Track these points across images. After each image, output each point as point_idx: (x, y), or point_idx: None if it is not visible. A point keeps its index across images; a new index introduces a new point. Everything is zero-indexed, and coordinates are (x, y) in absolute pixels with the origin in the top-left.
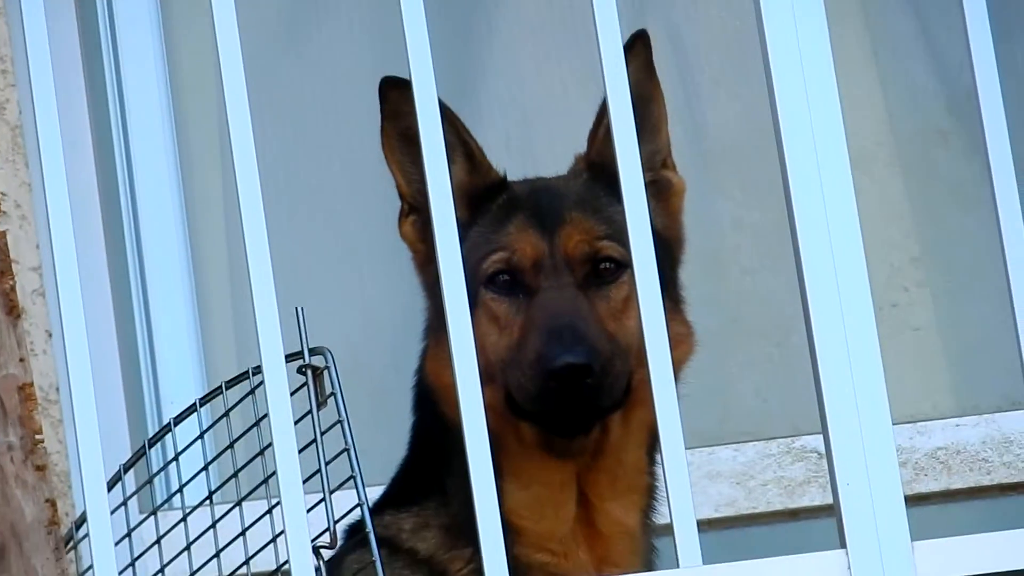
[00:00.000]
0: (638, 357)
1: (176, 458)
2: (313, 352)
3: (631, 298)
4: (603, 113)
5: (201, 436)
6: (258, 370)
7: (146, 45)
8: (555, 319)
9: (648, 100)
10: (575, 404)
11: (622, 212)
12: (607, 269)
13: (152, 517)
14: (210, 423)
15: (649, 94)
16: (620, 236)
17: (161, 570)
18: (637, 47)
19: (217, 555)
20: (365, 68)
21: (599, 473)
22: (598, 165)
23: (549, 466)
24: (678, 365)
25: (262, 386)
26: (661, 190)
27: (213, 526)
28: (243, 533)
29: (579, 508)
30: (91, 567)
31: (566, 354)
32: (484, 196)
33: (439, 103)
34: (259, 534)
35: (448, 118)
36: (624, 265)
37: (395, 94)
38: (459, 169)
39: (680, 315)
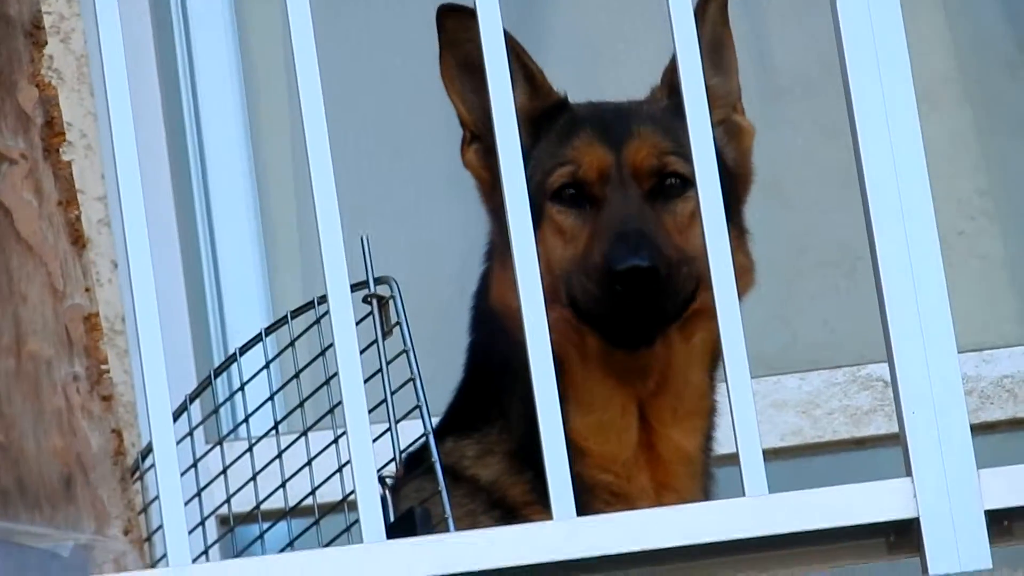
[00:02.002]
0: (701, 276)
1: (242, 388)
2: (378, 281)
3: (696, 214)
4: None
5: (267, 366)
6: (323, 299)
7: None
8: (622, 225)
9: (721, 45)
10: (641, 307)
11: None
12: (673, 184)
13: (218, 447)
14: (276, 353)
15: (722, 39)
16: (687, 153)
17: (227, 500)
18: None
19: (283, 485)
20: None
21: (662, 397)
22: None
23: (613, 389)
24: (739, 296)
25: (327, 316)
26: (731, 133)
27: (279, 456)
28: (309, 463)
29: (641, 432)
30: (157, 497)
31: (633, 257)
32: (546, 117)
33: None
34: (325, 464)
35: (507, 42)
36: (690, 182)
37: (452, 22)
38: (520, 93)
39: (743, 247)
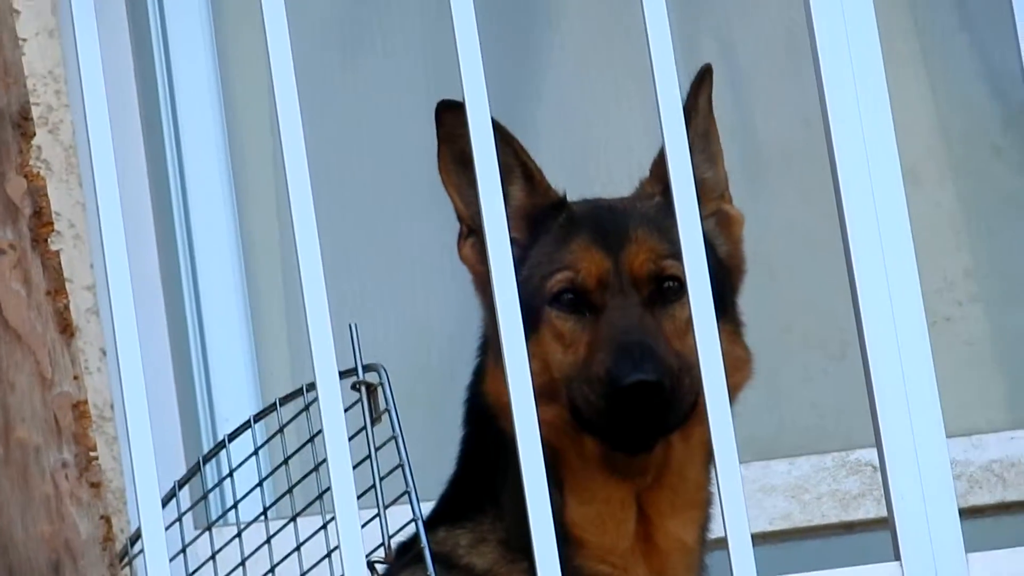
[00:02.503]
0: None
1: (231, 474)
2: (367, 368)
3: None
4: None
5: (255, 452)
6: (312, 387)
7: (199, 67)
8: (624, 336)
9: (708, 136)
10: (644, 421)
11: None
12: (671, 288)
13: (207, 533)
14: (264, 439)
15: (709, 129)
16: (679, 255)
17: None
18: (706, 83)
19: (272, 570)
20: (420, 84)
21: (660, 490)
22: (667, 188)
23: (610, 483)
24: (737, 389)
25: (316, 403)
26: (722, 223)
27: (268, 542)
28: (298, 548)
29: (639, 524)
30: None
31: (637, 372)
32: (544, 216)
33: (497, 125)
34: (314, 550)
35: (506, 139)
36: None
37: (450, 117)
38: (518, 190)
39: (740, 340)
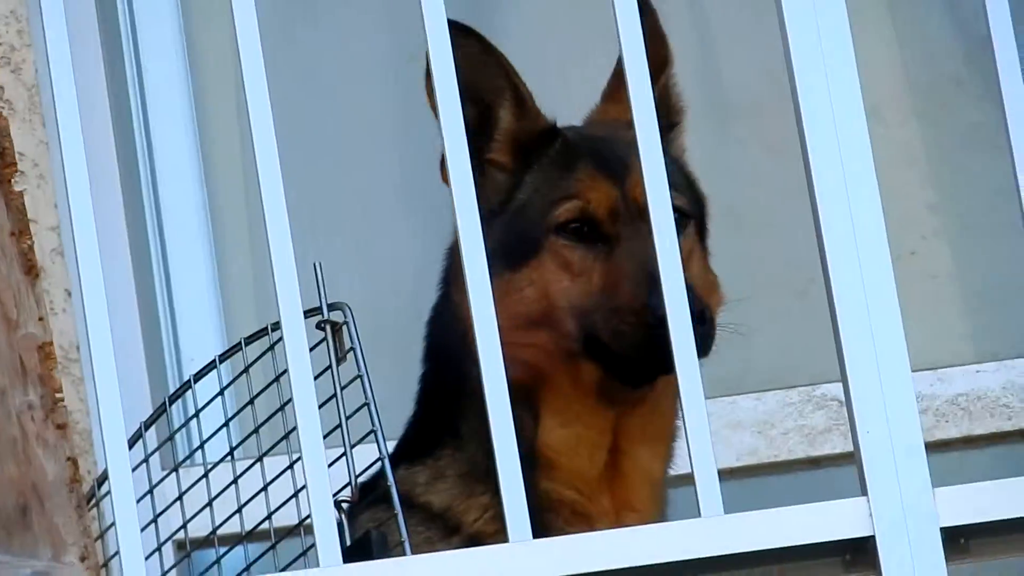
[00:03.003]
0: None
1: (197, 415)
2: (332, 308)
3: (694, 249)
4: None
5: (221, 392)
6: (277, 326)
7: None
8: (654, 267)
9: (664, 62)
10: (645, 360)
11: (670, 167)
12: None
13: (174, 474)
14: (230, 379)
15: (664, 56)
16: (675, 187)
17: (183, 526)
18: (648, 14)
19: (239, 510)
20: (383, 24)
21: (635, 420)
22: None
23: (596, 410)
24: (714, 310)
25: (281, 342)
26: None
27: (235, 482)
28: (265, 488)
29: (609, 452)
30: (113, 524)
31: (642, 310)
32: (535, 142)
33: (489, 46)
34: (281, 489)
35: (498, 61)
36: (687, 215)
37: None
38: (508, 113)
39: (710, 266)
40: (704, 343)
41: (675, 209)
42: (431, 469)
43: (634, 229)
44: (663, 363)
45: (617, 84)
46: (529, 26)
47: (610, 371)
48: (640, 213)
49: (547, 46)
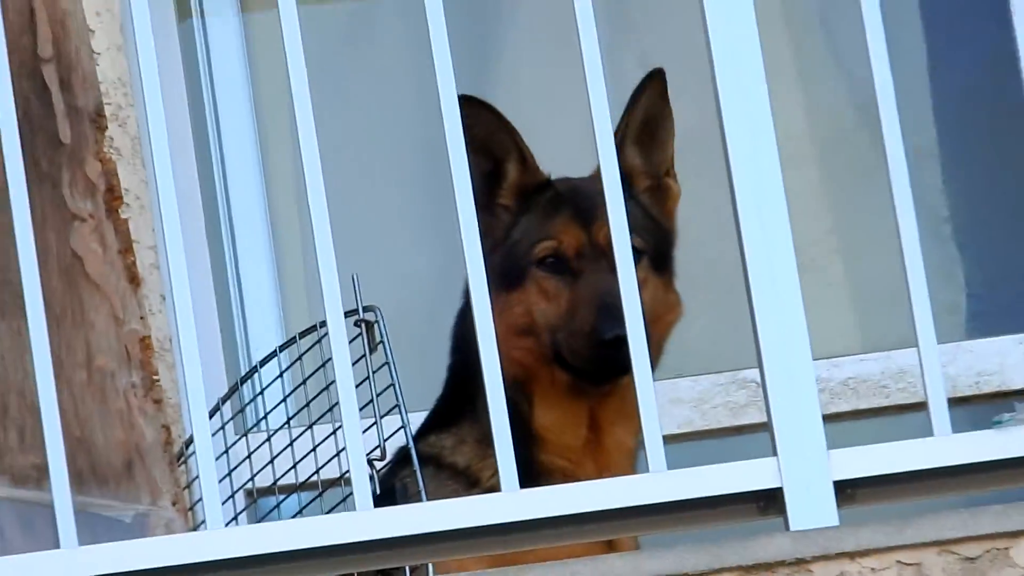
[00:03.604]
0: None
1: (262, 392)
2: (366, 309)
3: (647, 278)
4: (629, 115)
5: (280, 375)
6: (324, 323)
7: (232, 61)
8: (603, 298)
9: (658, 123)
10: (619, 366)
11: (632, 210)
12: (637, 255)
13: (244, 438)
14: (287, 365)
15: (659, 118)
16: (635, 229)
17: (251, 479)
18: (653, 82)
19: (294, 466)
20: (420, 62)
21: (608, 405)
22: (635, 168)
23: (570, 399)
24: (671, 325)
25: (327, 336)
26: (662, 192)
27: (291, 444)
28: (314, 449)
29: (589, 430)
30: (197, 477)
31: (616, 328)
32: (532, 191)
33: (498, 114)
34: (326, 450)
35: (508, 128)
36: (641, 252)
37: (465, 109)
38: (513, 169)
39: (673, 288)
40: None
41: (632, 248)
42: (455, 436)
43: (596, 265)
44: (613, 371)
45: (626, 127)
46: (539, 92)
47: (573, 375)
48: (602, 252)
49: (555, 107)
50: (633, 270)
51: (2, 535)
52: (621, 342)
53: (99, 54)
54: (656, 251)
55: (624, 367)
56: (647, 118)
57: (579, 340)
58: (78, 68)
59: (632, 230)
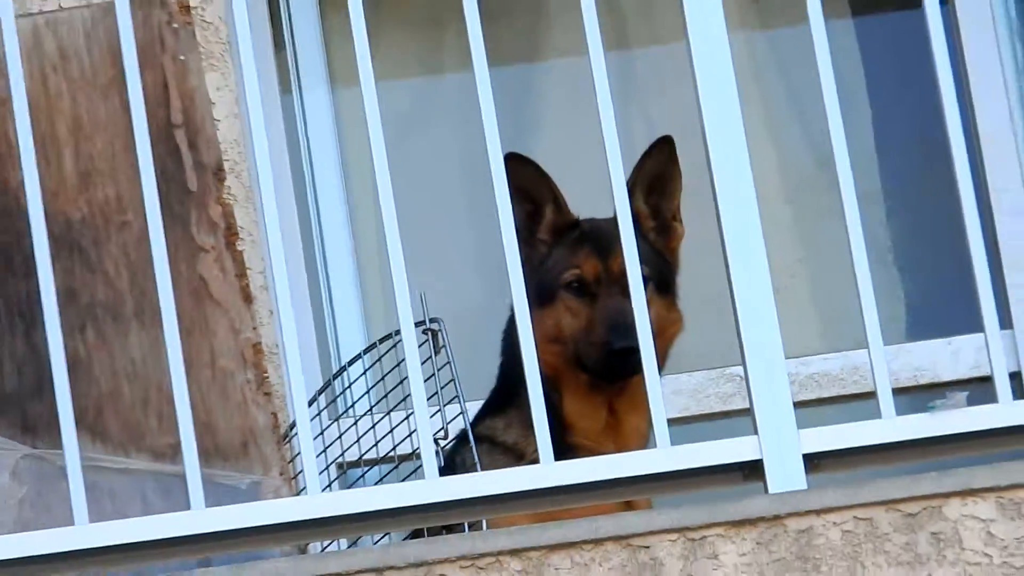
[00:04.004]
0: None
1: (349, 386)
2: (432, 321)
3: (652, 300)
4: (640, 170)
5: (364, 373)
6: (398, 332)
7: (326, 131)
8: (614, 318)
9: (667, 178)
10: (627, 370)
11: (641, 245)
12: (645, 282)
13: (335, 422)
14: (370, 364)
15: (667, 175)
16: (644, 261)
17: (342, 454)
18: (661, 146)
19: (375, 445)
20: (474, 134)
21: (623, 397)
22: (643, 212)
23: (591, 394)
24: (674, 337)
25: (401, 341)
26: (669, 232)
27: (373, 427)
28: (391, 431)
29: (609, 416)
30: (299, 453)
31: (623, 341)
32: (564, 230)
33: (537, 167)
34: (401, 431)
35: (546, 180)
36: (648, 279)
37: (512, 165)
38: (550, 212)
39: (676, 307)
40: (638, 364)
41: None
42: (504, 420)
43: (610, 290)
44: (621, 374)
45: (636, 181)
46: (572, 149)
47: (591, 376)
48: (615, 279)
49: (585, 162)
50: (643, 290)
51: (145, 500)
52: (628, 351)
53: (219, 120)
54: (660, 278)
55: (633, 370)
56: (656, 174)
57: (595, 350)
58: (203, 132)
59: (643, 262)
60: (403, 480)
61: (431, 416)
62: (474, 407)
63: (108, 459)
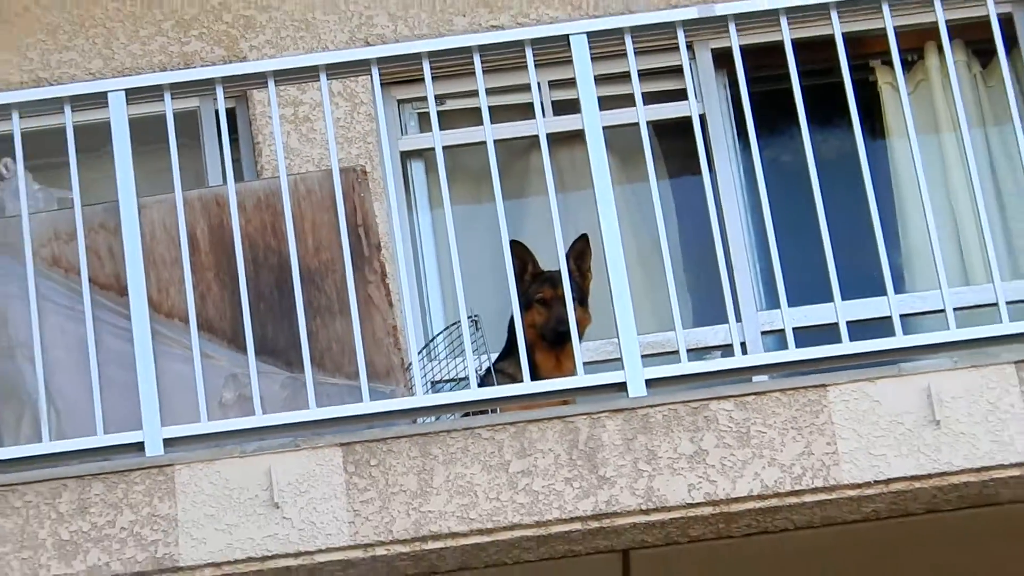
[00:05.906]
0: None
1: (435, 346)
2: (475, 315)
3: (576, 308)
4: (572, 249)
5: (441, 340)
6: (458, 322)
7: (428, 233)
8: (558, 316)
9: (585, 253)
10: (564, 341)
11: (572, 283)
12: (573, 299)
13: (430, 364)
14: (444, 337)
15: (586, 251)
16: (573, 290)
17: (432, 378)
18: (583, 237)
19: (448, 375)
20: (491, 227)
21: (563, 354)
22: (572, 268)
23: (548, 352)
24: (586, 327)
25: (459, 325)
26: (584, 277)
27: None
28: (455, 369)
29: (555, 361)
30: (413, 377)
31: (562, 327)
32: (536, 275)
33: (526, 248)
34: (459, 368)
35: (528, 251)
36: (574, 299)
37: (515, 249)
38: (530, 266)
39: (587, 311)
40: (568, 337)
41: (573, 299)
42: (508, 362)
43: (557, 303)
44: (561, 343)
45: (570, 254)
46: (542, 236)
47: (547, 344)
48: (559, 298)
49: (547, 243)
50: (572, 303)
51: (343, 400)
52: (565, 332)
53: (379, 222)
54: (580, 297)
55: (565, 341)
56: (580, 250)
57: (549, 332)
58: (372, 227)
59: (572, 290)
60: (458, 390)
61: (475, 362)
62: (494, 356)
63: (325, 379)
